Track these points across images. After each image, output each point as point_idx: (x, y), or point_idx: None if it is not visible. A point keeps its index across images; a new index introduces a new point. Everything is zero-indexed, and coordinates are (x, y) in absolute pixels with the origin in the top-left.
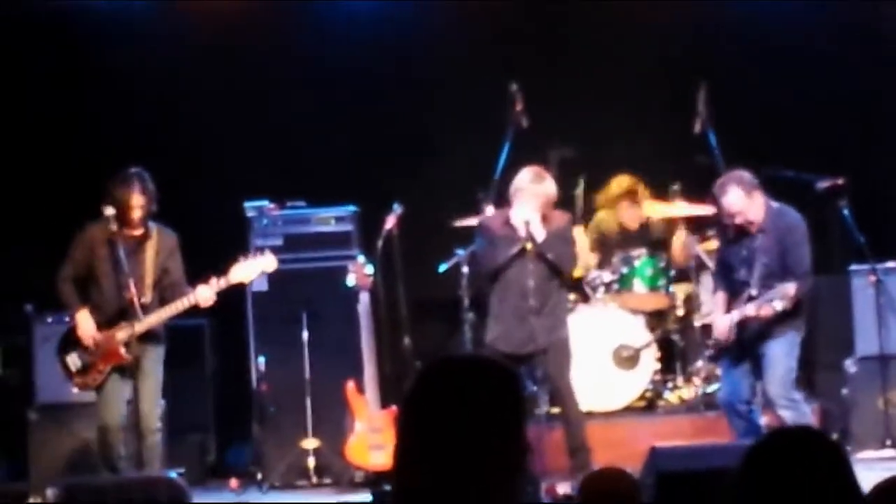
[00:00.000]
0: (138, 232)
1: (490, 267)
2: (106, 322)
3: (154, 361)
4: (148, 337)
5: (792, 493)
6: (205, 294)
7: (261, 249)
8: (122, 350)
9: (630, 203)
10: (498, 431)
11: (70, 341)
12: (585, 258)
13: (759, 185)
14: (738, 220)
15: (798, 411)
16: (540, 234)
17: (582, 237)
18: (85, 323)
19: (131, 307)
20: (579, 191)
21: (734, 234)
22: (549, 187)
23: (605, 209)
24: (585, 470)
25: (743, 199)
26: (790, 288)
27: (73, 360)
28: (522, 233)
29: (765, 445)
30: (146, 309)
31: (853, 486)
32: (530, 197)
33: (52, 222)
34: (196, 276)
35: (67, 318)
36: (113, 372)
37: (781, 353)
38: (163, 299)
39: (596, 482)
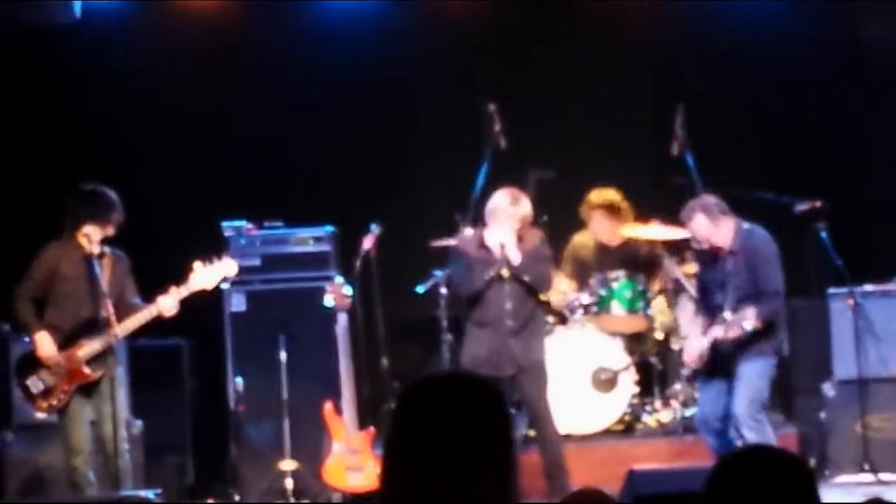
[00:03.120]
0: (98, 251)
1: (467, 291)
2: (65, 341)
3: (117, 382)
4: (109, 357)
5: None
6: (166, 304)
7: (219, 255)
8: (86, 368)
9: (606, 215)
10: (484, 449)
11: (30, 363)
12: (563, 285)
13: (726, 209)
14: (704, 246)
15: (761, 433)
16: (516, 257)
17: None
18: (45, 343)
19: (107, 323)
20: None
21: (709, 257)
22: (525, 208)
23: (582, 229)
24: (563, 492)
25: (707, 226)
26: (750, 310)
27: (35, 383)
28: (498, 255)
29: (730, 463)
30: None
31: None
32: (506, 219)
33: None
34: None
35: (27, 339)
36: (77, 393)
37: (753, 374)
38: (120, 319)
39: (575, 503)
